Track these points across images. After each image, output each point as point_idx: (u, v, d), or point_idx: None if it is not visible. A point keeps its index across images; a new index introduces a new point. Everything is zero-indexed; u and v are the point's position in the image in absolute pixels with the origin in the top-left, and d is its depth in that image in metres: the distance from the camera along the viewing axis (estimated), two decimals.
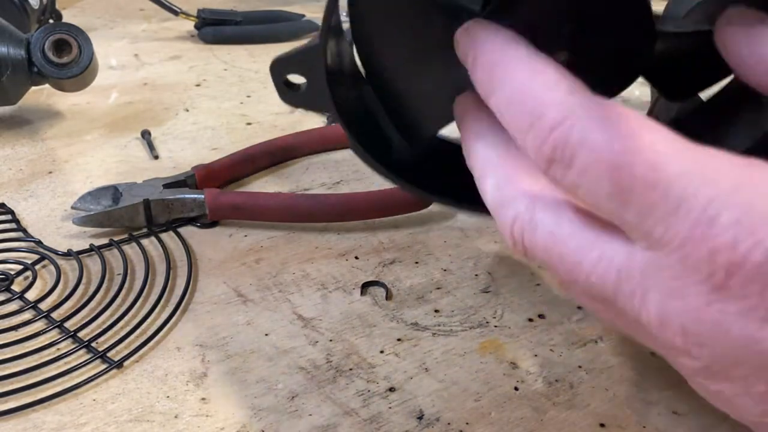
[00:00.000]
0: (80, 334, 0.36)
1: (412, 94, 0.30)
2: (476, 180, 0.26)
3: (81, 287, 0.40)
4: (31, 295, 0.39)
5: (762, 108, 0.29)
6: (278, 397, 0.33)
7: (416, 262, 0.43)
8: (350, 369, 0.35)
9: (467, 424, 0.32)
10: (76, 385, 0.33)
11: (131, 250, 0.43)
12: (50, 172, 0.52)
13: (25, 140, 0.57)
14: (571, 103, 0.20)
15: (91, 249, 0.43)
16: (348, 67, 0.31)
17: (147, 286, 0.40)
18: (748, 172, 0.18)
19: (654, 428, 0.32)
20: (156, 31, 0.84)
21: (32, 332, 0.36)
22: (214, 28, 0.81)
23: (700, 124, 0.31)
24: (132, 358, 0.35)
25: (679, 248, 0.18)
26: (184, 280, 0.40)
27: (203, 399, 0.33)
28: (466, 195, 0.28)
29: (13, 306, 0.38)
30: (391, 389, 0.33)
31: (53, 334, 0.36)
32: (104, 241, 0.43)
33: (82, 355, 0.35)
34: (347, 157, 0.56)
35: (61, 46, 0.55)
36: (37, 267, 0.41)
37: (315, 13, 0.87)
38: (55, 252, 0.42)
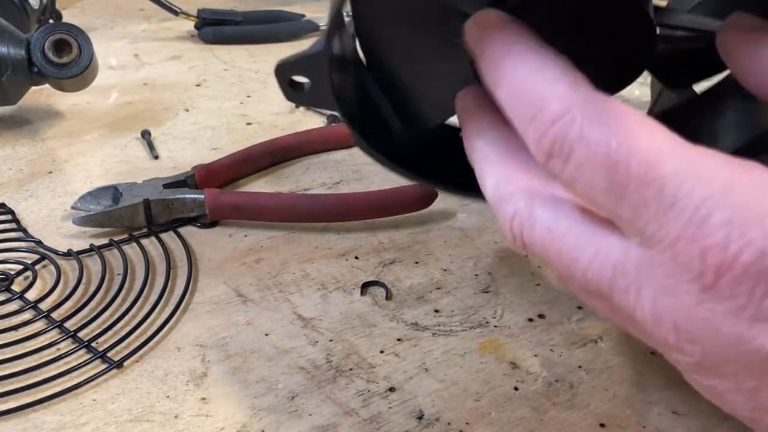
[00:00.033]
0: (80, 334, 0.36)
1: (416, 86, 0.30)
2: (477, 175, 0.26)
3: (81, 287, 0.40)
4: (31, 295, 0.39)
5: (755, 107, 0.29)
6: (278, 397, 0.33)
7: (416, 262, 0.43)
8: (350, 369, 0.35)
9: (467, 424, 0.32)
10: (76, 385, 0.33)
11: (131, 250, 0.43)
12: (50, 172, 0.52)
13: (25, 140, 0.57)
14: (572, 98, 0.21)
15: (91, 249, 0.43)
16: (350, 56, 0.31)
17: (147, 286, 0.40)
18: (742, 173, 0.18)
19: (654, 428, 0.32)
20: (156, 31, 0.84)
21: (32, 332, 0.36)
22: (214, 28, 0.81)
23: (694, 117, 0.31)
24: (132, 358, 0.35)
25: (671, 246, 0.19)
26: (184, 280, 0.40)
27: (203, 399, 0.33)
28: (467, 182, 0.28)
29: (13, 306, 0.38)
30: (391, 389, 0.33)
31: (53, 334, 0.36)
32: (104, 241, 0.43)
33: (82, 355, 0.35)
34: (347, 157, 0.56)
35: (61, 46, 0.55)
36: (37, 267, 0.41)
37: (315, 13, 0.87)
38: (55, 252, 0.42)
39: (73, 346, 0.35)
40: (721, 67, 0.28)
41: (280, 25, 0.84)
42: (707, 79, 0.31)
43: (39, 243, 0.43)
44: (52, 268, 0.41)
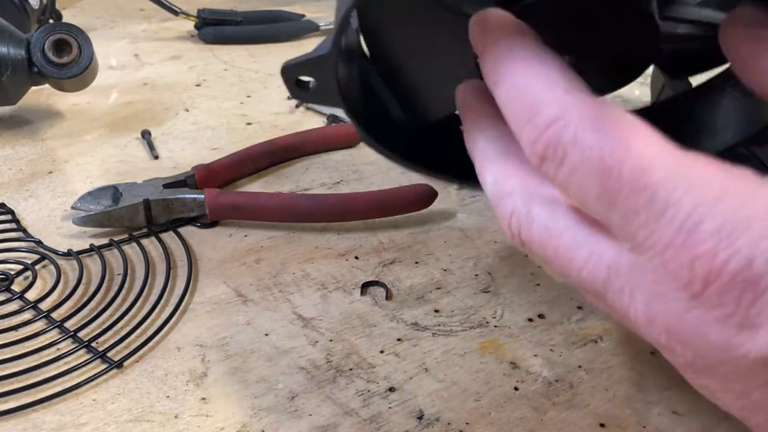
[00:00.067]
0: (80, 334, 0.36)
1: (420, 80, 0.30)
2: (477, 170, 0.26)
3: (81, 287, 0.40)
4: (31, 295, 0.39)
5: (756, 101, 0.29)
6: (278, 397, 0.33)
7: (416, 262, 0.43)
8: (350, 369, 0.35)
9: (467, 424, 0.32)
10: (76, 385, 0.33)
11: (131, 250, 0.43)
12: (50, 172, 0.52)
13: (25, 140, 0.57)
14: (568, 102, 0.21)
15: (91, 249, 0.43)
16: (354, 50, 0.31)
17: (147, 286, 0.40)
18: (732, 181, 0.19)
19: (654, 428, 0.32)
20: (156, 31, 0.84)
21: (32, 332, 0.36)
22: (214, 28, 0.81)
23: (695, 109, 0.31)
24: (132, 358, 0.35)
25: (661, 253, 0.19)
26: (184, 280, 0.40)
27: (203, 399, 0.33)
28: (469, 172, 0.28)
29: (13, 306, 0.38)
30: (391, 389, 0.33)
31: (53, 334, 0.36)
32: (104, 241, 0.43)
33: (82, 355, 0.35)
34: (347, 157, 0.56)
35: (61, 46, 0.55)
36: (37, 267, 0.41)
37: (315, 13, 0.87)
38: (55, 252, 0.42)
39: (73, 346, 0.35)
40: (725, 60, 0.28)
41: (280, 25, 0.84)
42: (710, 70, 0.31)
43: (39, 243, 0.43)
44: (52, 268, 0.41)
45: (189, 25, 0.83)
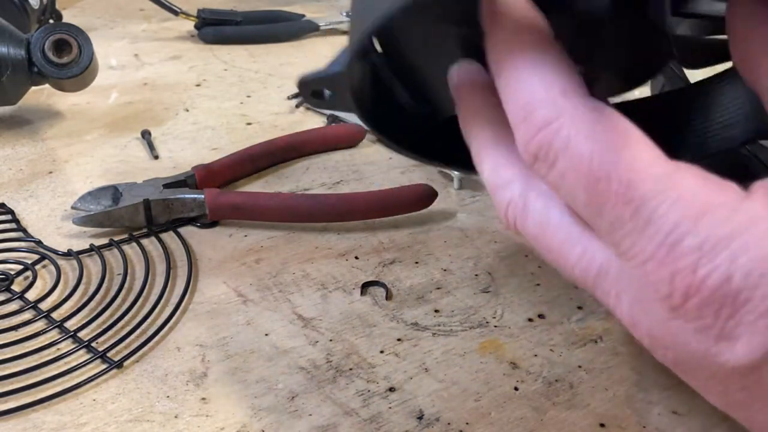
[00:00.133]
0: (80, 334, 0.36)
1: (433, 78, 0.30)
2: (473, 156, 0.26)
3: (81, 287, 0.40)
4: (31, 295, 0.39)
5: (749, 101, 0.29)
6: (278, 397, 0.33)
7: (416, 262, 0.43)
8: (350, 369, 0.35)
9: (467, 424, 0.32)
10: (76, 385, 0.33)
11: (131, 250, 0.43)
12: (50, 172, 0.52)
13: (25, 140, 0.57)
14: (563, 106, 0.21)
15: (91, 249, 0.43)
16: (367, 48, 0.31)
17: (147, 286, 0.40)
18: (717, 196, 0.19)
19: (654, 428, 0.32)
20: (156, 31, 0.84)
21: (32, 332, 0.36)
22: (214, 28, 0.81)
23: (706, 100, 0.31)
24: (132, 358, 0.35)
25: (643, 265, 0.19)
26: (184, 280, 0.40)
27: (203, 399, 0.33)
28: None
29: (13, 306, 0.38)
30: (391, 389, 0.33)
31: (53, 334, 0.36)
32: (104, 241, 0.43)
33: (82, 355, 0.35)
34: (347, 157, 0.56)
35: (61, 46, 0.55)
36: (37, 267, 0.41)
37: (315, 13, 0.87)
38: (55, 252, 0.42)
39: (73, 346, 0.35)
40: None
41: (280, 25, 0.84)
42: (724, 62, 0.31)
43: (39, 243, 0.43)
44: (52, 268, 0.41)
45: (189, 25, 0.82)
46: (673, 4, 0.27)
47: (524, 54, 0.22)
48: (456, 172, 0.50)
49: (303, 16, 0.86)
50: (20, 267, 0.41)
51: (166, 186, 0.46)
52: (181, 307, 0.38)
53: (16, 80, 0.55)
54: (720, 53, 0.30)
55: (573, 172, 0.20)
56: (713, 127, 0.29)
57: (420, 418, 0.32)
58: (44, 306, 0.38)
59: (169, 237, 0.44)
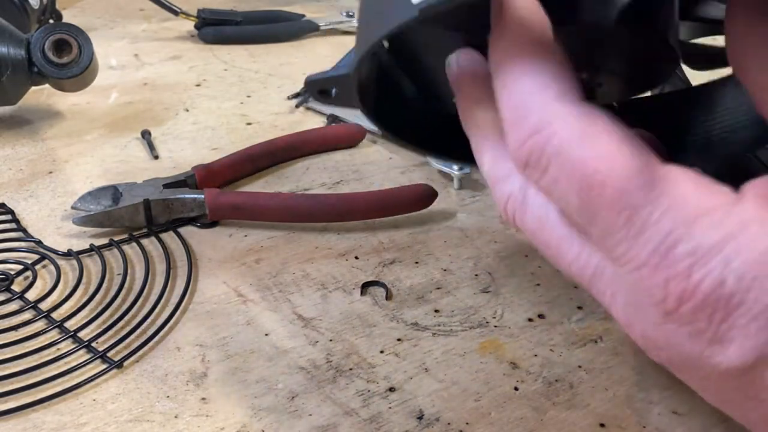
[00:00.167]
0: (80, 334, 0.36)
1: (439, 72, 0.30)
2: (473, 147, 0.26)
3: (81, 287, 0.40)
4: (31, 295, 0.39)
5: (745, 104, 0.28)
6: (278, 397, 0.33)
7: (416, 262, 0.43)
8: (350, 369, 0.35)
9: (467, 424, 0.32)
10: (76, 385, 0.33)
11: (131, 250, 0.43)
12: (50, 172, 0.52)
13: (25, 140, 0.57)
14: (555, 111, 0.21)
15: (91, 249, 0.43)
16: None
17: (147, 286, 0.40)
18: (709, 201, 0.19)
19: (654, 428, 0.32)
20: (156, 31, 0.84)
21: (32, 332, 0.36)
22: (214, 28, 0.81)
23: (714, 102, 0.31)
24: (132, 358, 0.35)
25: (636, 270, 0.20)
26: (184, 280, 0.40)
27: (203, 399, 0.33)
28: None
29: (13, 306, 0.38)
30: (391, 389, 0.33)
31: (53, 334, 0.36)
32: (104, 241, 0.43)
33: (82, 355, 0.35)
34: (347, 157, 0.56)
35: (61, 46, 0.55)
36: (37, 267, 0.41)
37: (315, 13, 0.87)
38: (55, 252, 0.42)
39: (73, 346, 0.35)
40: None
41: (280, 25, 0.84)
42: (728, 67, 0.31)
43: (39, 243, 0.43)
44: (52, 268, 0.41)
45: (189, 25, 0.82)
46: (681, 9, 0.27)
47: (522, 56, 0.22)
48: (456, 172, 0.50)
49: (303, 16, 0.86)
50: (20, 267, 0.41)
51: (166, 186, 0.46)
52: (181, 307, 0.38)
53: (16, 80, 0.55)
54: (725, 58, 0.30)
55: (566, 178, 0.20)
56: (718, 131, 0.29)
57: (420, 418, 0.32)
58: (44, 306, 0.38)
59: (169, 237, 0.44)
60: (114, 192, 0.46)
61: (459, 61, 0.26)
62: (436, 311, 0.39)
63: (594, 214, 0.20)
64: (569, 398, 0.33)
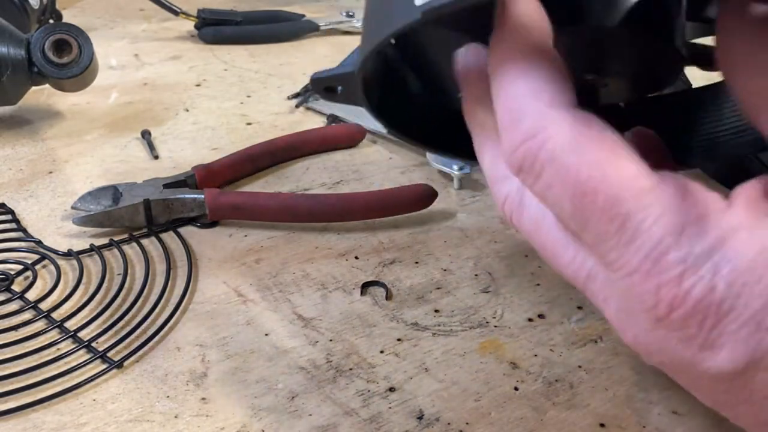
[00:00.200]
0: (80, 334, 0.36)
1: (445, 68, 0.30)
2: (475, 146, 0.26)
3: (81, 287, 0.40)
4: (31, 295, 0.39)
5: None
6: (278, 397, 0.33)
7: (416, 262, 0.43)
8: (350, 369, 0.35)
9: (467, 424, 0.32)
10: (76, 385, 0.33)
11: (131, 250, 0.43)
12: (50, 172, 0.52)
13: (25, 140, 0.57)
14: (549, 116, 0.21)
15: (91, 249, 0.43)
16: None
17: (147, 286, 0.40)
18: (700, 208, 0.19)
19: (654, 428, 0.32)
20: (156, 31, 0.84)
21: (32, 332, 0.36)
22: (214, 28, 0.81)
23: (696, 109, 0.31)
24: (132, 358, 0.35)
25: (628, 277, 0.20)
26: (184, 280, 0.40)
27: (203, 399, 0.33)
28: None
29: (13, 306, 0.38)
30: (391, 389, 0.33)
31: (53, 334, 0.36)
32: (104, 241, 0.43)
33: (82, 355, 0.35)
34: (347, 157, 0.56)
35: (61, 46, 0.55)
36: (37, 267, 0.41)
37: (315, 13, 0.87)
38: (55, 252, 0.42)
39: (73, 346, 0.35)
40: None
41: (280, 25, 0.84)
42: None
43: (39, 243, 0.43)
44: (52, 268, 0.41)
45: (189, 25, 0.82)
46: (689, 10, 0.27)
47: (519, 60, 0.22)
48: (456, 172, 0.50)
49: (303, 16, 0.86)
50: (20, 267, 0.41)
51: (166, 186, 0.46)
52: (181, 307, 0.38)
53: (16, 80, 0.55)
54: None
55: (559, 184, 0.21)
56: (723, 132, 0.29)
57: (420, 418, 0.32)
58: (44, 306, 0.38)
59: (169, 237, 0.44)
60: (114, 192, 0.46)
61: (466, 57, 0.26)
62: (436, 311, 0.39)
63: (587, 220, 0.20)
64: (569, 398, 0.33)
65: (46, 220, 0.46)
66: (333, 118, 0.61)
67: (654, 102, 0.32)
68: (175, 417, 0.32)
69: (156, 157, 0.55)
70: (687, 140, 0.31)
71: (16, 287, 0.39)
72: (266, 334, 0.37)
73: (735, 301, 0.18)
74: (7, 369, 0.33)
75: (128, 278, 0.40)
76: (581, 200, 0.20)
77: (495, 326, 0.38)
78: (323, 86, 0.30)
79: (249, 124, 0.61)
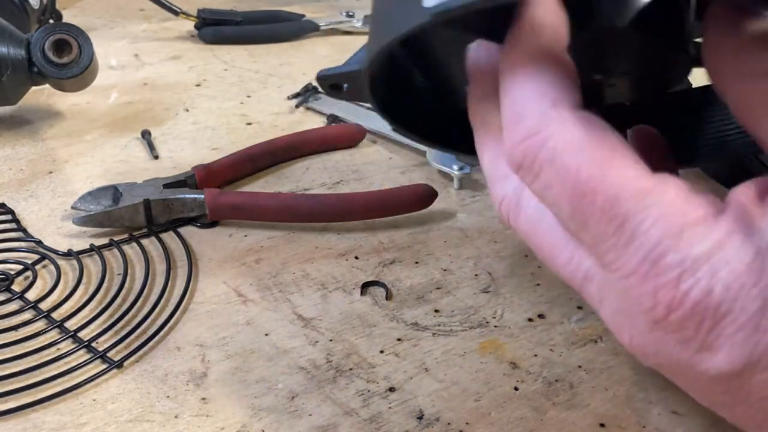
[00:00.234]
0: (80, 334, 0.36)
1: (452, 66, 0.30)
2: (476, 144, 0.26)
3: (81, 287, 0.40)
4: (31, 295, 0.39)
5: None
6: (278, 397, 0.33)
7: (416, 262, 0.43)
8: (350, 369, 0.35)
9: (467, 424, 0.32)
10: (76, 385, 0.33)
11: (131, 250, 0.43)
12: (50, 172, 0.52)
13: (25, 140, 0.57)
14: (551, 117, 0.21)
15: (91, 249, 0.43)
16: None
17: (147, 286, 0.40)
18: (698, 212, 0.19)
19: (654, 428, 0.32)
20: (156, 31, 0.84)
21: (32, 332, 0.36)
22: (214, 28, 0.81)
23: (703, 108, 0.31)
24: (132, 358, 0.35)
25: (626, 278, 0.20)
26: (184, 280, 0.40)
27: (203, 399, 0.33)
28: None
29: (13, 306, 0.38)
30: (391, 389, 0.33)
31: (53, 334, 0.36)
32: (104, 241, 0.43)
33: (82, 355, 0.35)
34: (347, 157, 0.56)
35: (61, 46, 0.55)
36: (37, 267, 0.41)
37: (315, 13, 0.87)
38: (55, 252, 0.42)
39: (73, 346, 0.35)
40: None
41: (280, 25, 0.84)
42: None
43: (39, 243, 0.43)
44: (52, 268, 0.41)
45: (189, 25, 0.82)
46: (698, 11, 0.27)
47: (531, 64, 0.22)
48: (456, 172, 0.50)
49: (303, 16, 0.86)
50: (20, 267, 0.41)
51: (166, 186, 0.46)
52: (181, 307, 0.38)
53: (16, 80, 0.55)
54: None
55: (559, 184, 0.21)
56: (731, 131, 0.29)
57: (420, 418, 0.32)
58: (44, 306, 0.38)
59: (169, 237, 0.44)
60: (114, 192, 0.46)
61: (477, 52, 0.26)
62: (436, 311, 0.39)
63: (585, 220, 0.20)
64: (569, 398, 0.33)
65: (46, 220, 0.46)
66: (333, 118, 0.61)
67: (660, 101, 0.32)
68: (175, 417, 0.32)
69: (156, 157, 0.55)
70: (693, 139, 0.31)
71: (16, 287, 0.39)
72: (266, 334, 0.37)
73: (732, 305, 0.18)
74: (7, 369, 0.33)
75: (128, 278, 0.40)
76: (580, 200, 0.20)
77: (495, 326, 0.38)
78: (329, 83, 0.30)
79: (249, 124, 0.61)
